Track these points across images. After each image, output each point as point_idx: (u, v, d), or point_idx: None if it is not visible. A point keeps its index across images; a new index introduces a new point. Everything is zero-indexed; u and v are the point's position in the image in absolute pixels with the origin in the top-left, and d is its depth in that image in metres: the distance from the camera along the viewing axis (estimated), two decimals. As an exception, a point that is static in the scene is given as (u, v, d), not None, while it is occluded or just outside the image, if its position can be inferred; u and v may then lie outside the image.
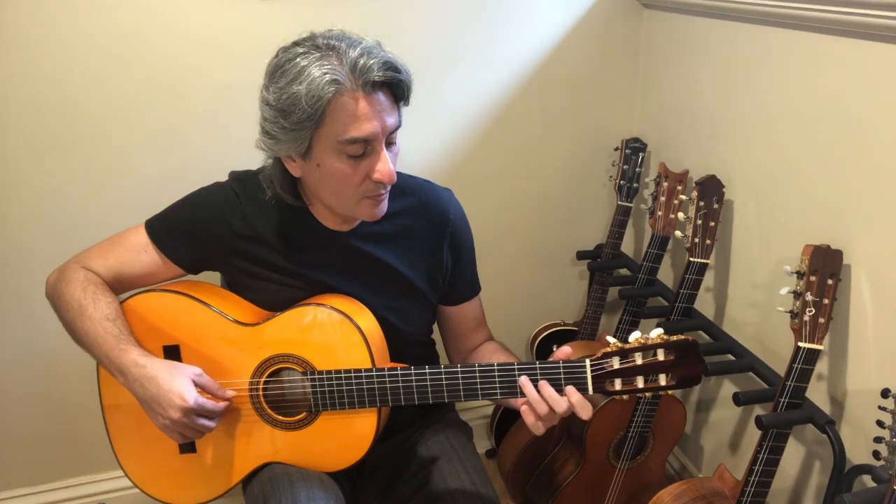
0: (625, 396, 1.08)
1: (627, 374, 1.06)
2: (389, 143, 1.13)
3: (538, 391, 1.08)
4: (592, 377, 1.07)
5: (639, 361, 1.06)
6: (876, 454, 1.15)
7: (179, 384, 1.11)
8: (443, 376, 1.13)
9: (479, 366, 1.12)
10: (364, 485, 1.36)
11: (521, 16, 1.85)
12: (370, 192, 1.14)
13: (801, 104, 1.46)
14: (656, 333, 1.07)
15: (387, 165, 1.11)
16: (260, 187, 1.23)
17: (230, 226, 1.23)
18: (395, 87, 1.10)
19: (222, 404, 1.17)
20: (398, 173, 1.29)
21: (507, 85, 1.91)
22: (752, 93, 1.59)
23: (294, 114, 1.06)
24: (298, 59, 1.06)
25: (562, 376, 1.08)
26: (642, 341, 1.06)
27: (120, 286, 1.27)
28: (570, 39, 1.91)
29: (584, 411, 1.08)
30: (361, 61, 1.05)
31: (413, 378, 1.14)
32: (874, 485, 1.26)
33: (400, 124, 1.13)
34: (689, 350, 1.05)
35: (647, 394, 1.08)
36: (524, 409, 1.10)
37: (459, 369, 1.12)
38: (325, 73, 1.04)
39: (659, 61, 1.93)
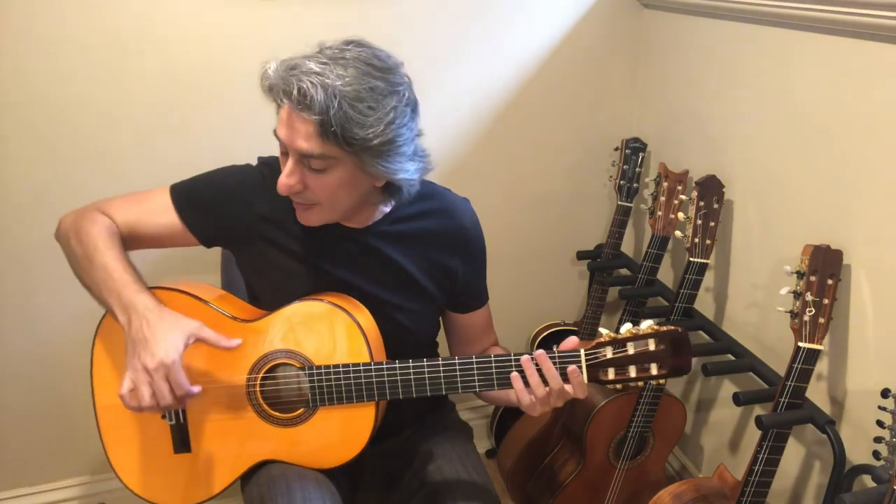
0: (618, 385, 1.10)
1: (620, 363, 1.09)
2: (313, 168, 1.11)
3: (539, 372, 1.10)
4: (587, 366, 1.10)
5: (631, 351, 1.09)
6: (876, 454, 1.15)
7: (171, 341, 1.09)
8: (440, 368, 1.14)
9: (476, 357, 1.13)
10: (364, 485, 1.36)
11: (522, 16, 1.85)
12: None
13: (801, 104, 1.46)
14: (647, 324, 1.10)
15: (282, 176, 1.11)
16: None
17: (252, 205, 1.24)
18: (314, 115, 1.05)
19: (193, 389, 1.12)
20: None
21: (507, 85, 1.91)
22: (752, 93, 1.59)
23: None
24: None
25: (557, 365, 1.10)
26: (634, 332, 1.09)
27: (132, 242, 1.26)
28: (571, 39, 1.91)
29: (582, 391, 1.11)
30: (290, 72, 1.06)
31: (411, 370, 1.15)
32: (874, 485, 1.26)
33: (317, 155, 1.08)
34: (678, 339, 1.08)
35: (640, 383, 1.10)
36: (519, 387, 1.11)
37: (457, 361, 1.14)
38: (267, 68, 1.09)
39: (659, 61, 1.93)
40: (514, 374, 1.11)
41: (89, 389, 1.30)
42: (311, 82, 1.04)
